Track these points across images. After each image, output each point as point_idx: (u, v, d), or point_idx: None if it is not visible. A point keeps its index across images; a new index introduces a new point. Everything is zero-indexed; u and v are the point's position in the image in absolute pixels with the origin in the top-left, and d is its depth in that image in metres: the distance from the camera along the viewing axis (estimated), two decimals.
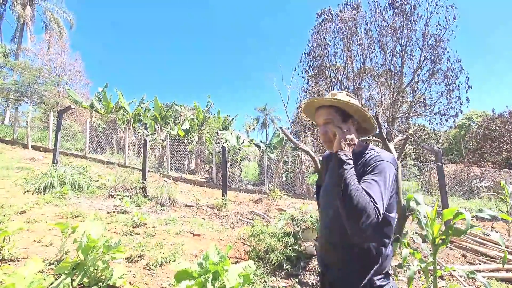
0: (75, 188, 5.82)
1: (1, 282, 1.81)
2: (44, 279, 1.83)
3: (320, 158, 1.68)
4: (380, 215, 0.91)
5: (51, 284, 1.78)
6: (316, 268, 3.18)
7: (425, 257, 3.31)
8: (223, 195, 6.49)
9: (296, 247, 3.39)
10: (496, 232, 5.33)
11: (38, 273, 1.87)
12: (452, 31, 11.48)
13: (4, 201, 4.50)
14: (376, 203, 0.91)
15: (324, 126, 1.17)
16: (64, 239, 2.53)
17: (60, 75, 16.00)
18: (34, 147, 10.76)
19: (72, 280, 2.00)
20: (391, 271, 1.09)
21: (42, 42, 18.09)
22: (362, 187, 0.95)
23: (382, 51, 12.56)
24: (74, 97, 13.87)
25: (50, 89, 13.52)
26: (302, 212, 4.29)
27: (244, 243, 3.89)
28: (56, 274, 2.06)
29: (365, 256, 1.03)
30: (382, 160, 1.06)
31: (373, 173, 1.02)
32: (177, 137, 13.05)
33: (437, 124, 12.23)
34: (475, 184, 12.44)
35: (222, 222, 5.21)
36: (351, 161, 1.01)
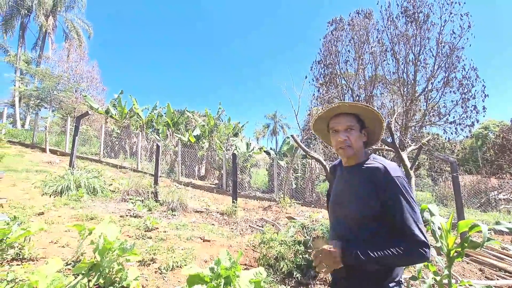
0: (90, 191, 6.00)
1: (24, 280, 1.90)
2: (66, 277, 1.90)
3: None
4: (426, 240, 0.96)
5: (70, 283, 1.85)
6: (327, 278, 3.14)
7: (439, 270, 3.21)
8: (233, 202, 6.52)
9: (306, 255, 3.36)
10: None
11: (57, 272, 1.95)
12: (467, 39, 11.27)
13: (24, 203, 4.68)
14: (418, 236, 0.96)
15: (346, 132, 1.15)
16: (81, 240, 2.62)
17: (78, 82, 16.62)
18: (51, 151, 11.16)
19: (89, 281, 2.07)
20: (404, 282, 1.09)
21: (62, 50, 18.91)
22: (399, 219, 0.99)
23: (394, 59, 12.43)
24: (90, 103, 14.35)
25: (69, 95, 14.03)
26: (313, 221, 4.26)
27: (254, 250, 3.89)
28: (74, 274, 2.13)
29: None
30: (393, 178, 1.04)
31: (395, 197, 1.02)
32: (188, 143, 13.25)
33: (452, 133, 11.90)
34: (493, 196, 11.95)
35: (232, 228, 5.23)
36: (358, 250, 0.99)
